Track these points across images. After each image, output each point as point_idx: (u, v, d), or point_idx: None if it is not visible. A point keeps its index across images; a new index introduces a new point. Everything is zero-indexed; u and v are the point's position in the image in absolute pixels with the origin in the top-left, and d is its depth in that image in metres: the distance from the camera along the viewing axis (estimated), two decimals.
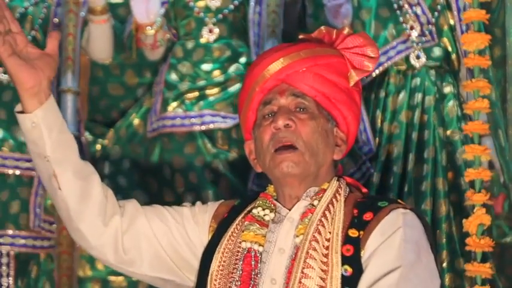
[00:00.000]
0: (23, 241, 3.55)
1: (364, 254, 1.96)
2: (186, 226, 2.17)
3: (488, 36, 3.21)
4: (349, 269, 1.94)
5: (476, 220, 3.10)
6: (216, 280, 2.05)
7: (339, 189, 2.08)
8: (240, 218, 2.13)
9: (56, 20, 3.73)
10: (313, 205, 2.05)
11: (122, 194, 3.70)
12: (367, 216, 2.00)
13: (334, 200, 2.05)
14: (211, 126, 3.65)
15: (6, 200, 3.57)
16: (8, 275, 3.54)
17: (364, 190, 2.14)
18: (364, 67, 2.12)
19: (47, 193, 3.62)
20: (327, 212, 2.02)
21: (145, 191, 3.69)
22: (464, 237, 3.16)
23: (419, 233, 2.00)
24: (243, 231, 2.08)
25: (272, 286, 2.01)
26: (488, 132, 3.28)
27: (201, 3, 3.75)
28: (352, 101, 2.13)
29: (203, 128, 3.65)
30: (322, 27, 2.19)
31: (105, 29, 3.74)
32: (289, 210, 2.08)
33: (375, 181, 3.46)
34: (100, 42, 3.77)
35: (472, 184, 3.16)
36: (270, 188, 2.16)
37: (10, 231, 3.55)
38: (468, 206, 3.18)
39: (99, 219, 2.12)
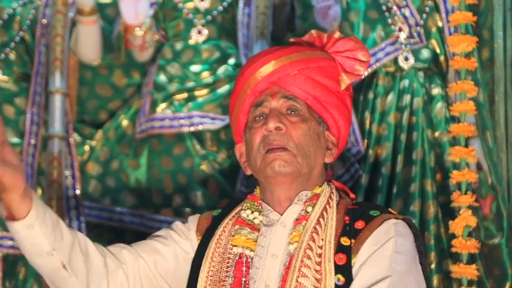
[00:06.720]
0: (10, 242, 3.53)
1: (355, 263, 1.95)
2: (182, 246, 2.13)
3: (475, 39, 3.21)
4: (342, 278, 1.94)
5: (463, 222, 3.11)
6: (205, 287, 2.02)
7: (332, 195, 2.07)
8: (226, 220, 2.10)
9: (45, 21, 3.72)
10: (306, 211, 2.04)
11: (110, 195, 3.69)
12: (359, 224, 2.00)
13: (327, 206, 2.04)
14: (200, 127, 3.65)
15: None
16: None
17: (352, 195, 2.14)
18: (355, 71, 2.11)
19: None
20: (321, 219, 2.01)
21: (133, 193, 3.68)
22: (453, 238, 3.16)
23: (410, 243, 2.00)
24: (233, 236, 2.06)
25: None
26: (475, 134, 3.29)
27: (190, 5, 3.74)
28: (343, 104, 2.13)
29: (192, 129, 3.64)
30: (313, 31, 2.18)
31: (93, 30, 3.73)
32: (281, 214, 2.07)
33: (364, 182, 3.46)
34: (88, 43, 3.75)
35: (459, 186, 3.16)
36: (258, 190, 2.14)
37: None
38: (456, 208, 3.19)
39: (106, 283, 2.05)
